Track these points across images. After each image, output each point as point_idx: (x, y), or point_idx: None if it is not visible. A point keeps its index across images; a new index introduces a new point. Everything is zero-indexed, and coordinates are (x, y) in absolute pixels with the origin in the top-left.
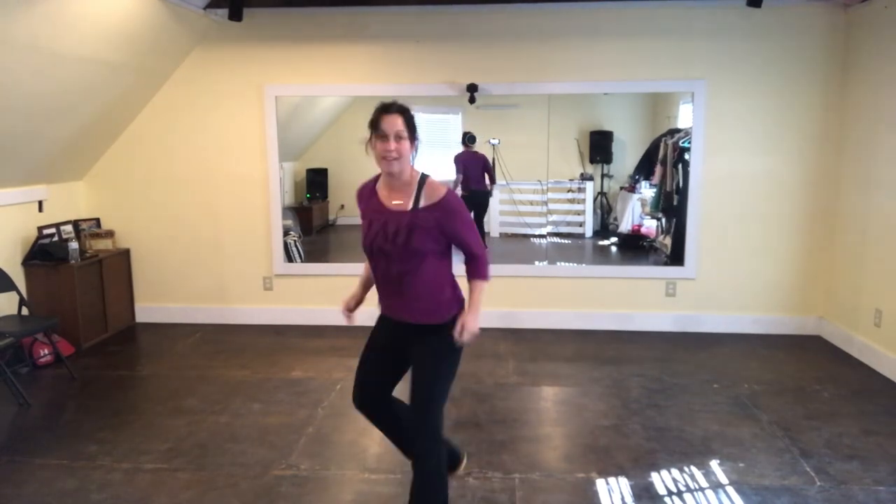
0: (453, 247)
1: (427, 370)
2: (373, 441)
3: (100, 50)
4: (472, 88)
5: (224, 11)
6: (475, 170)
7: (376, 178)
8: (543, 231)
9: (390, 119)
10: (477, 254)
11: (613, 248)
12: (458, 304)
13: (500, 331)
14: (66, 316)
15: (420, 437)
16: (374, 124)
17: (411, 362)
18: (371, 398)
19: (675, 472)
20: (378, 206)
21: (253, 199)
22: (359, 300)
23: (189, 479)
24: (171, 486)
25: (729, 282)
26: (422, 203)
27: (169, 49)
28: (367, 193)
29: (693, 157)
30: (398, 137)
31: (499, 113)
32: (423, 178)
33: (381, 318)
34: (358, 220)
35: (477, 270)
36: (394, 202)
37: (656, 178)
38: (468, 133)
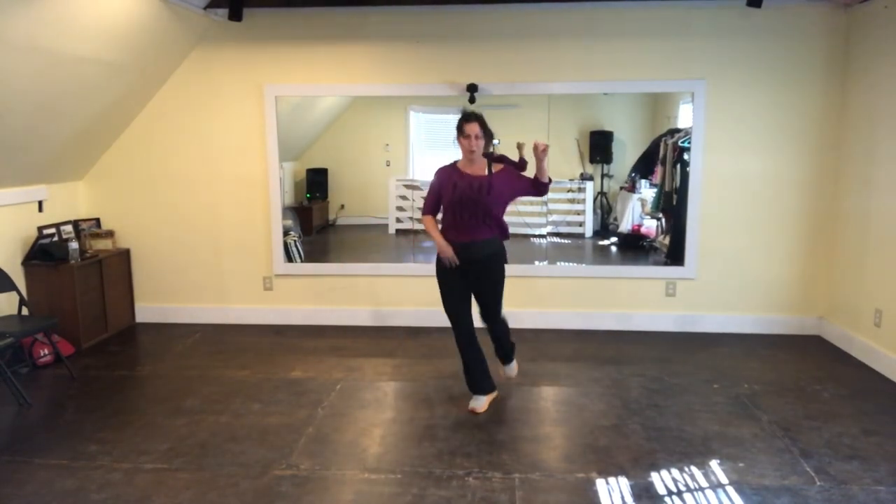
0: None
1: (497, 286)
2: (373, 441)
3: (100, 50)
4: (472, 88)
5: (224, 11)
6: None
7: (454, 163)
8: (543, 231)
9: (471, 125)
10: (537, 180)
11: (613, 248)
12: (505, 236)
13: None
14: (66, 316)
15: (499, 317)
16: (460, 128)
17: (480, 284)
18: (467, 316)
19: (675, 472)
20: (462, 175)
21: (253, 199)
22: (450, 245)
23: (189, 479)
24: (171, 486)
25: (729, 282)
26: (493, 171)
27: (169, 49)
28: (449, 171)
29: (693, 157)
30: (476, 137)
31: (499, 113)
32: (489, 161)
33: (443, 268)
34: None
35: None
36: (473, 173)
37: (656, 178)
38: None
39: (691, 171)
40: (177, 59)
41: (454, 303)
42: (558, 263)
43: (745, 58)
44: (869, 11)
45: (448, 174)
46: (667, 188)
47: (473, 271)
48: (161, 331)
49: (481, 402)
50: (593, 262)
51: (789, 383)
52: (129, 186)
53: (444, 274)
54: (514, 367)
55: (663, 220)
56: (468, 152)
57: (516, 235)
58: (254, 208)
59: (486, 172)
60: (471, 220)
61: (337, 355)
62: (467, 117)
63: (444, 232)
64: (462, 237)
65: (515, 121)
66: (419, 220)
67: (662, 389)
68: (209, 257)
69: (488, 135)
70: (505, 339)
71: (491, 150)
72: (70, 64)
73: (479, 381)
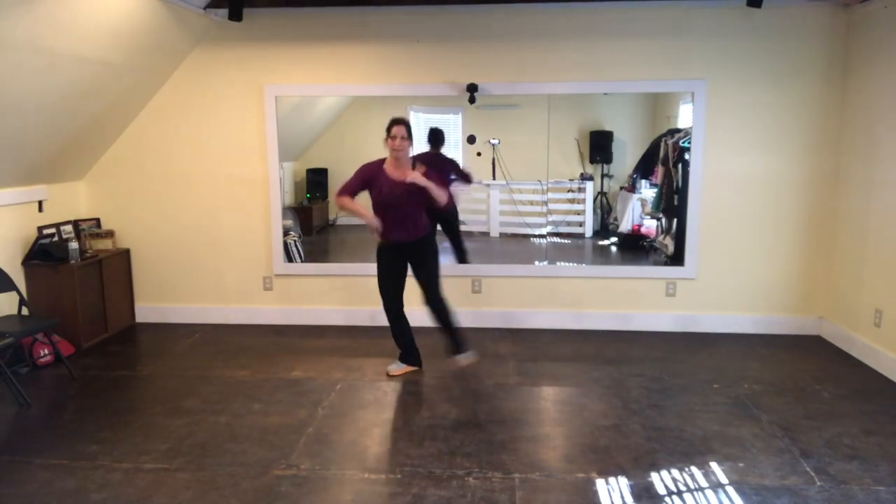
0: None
1: (429, 267)
2: (373, 441)
3: (100, 50)
4: (472, 88)
5: (224, 11)
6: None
7: (381, 161)
8: (543, 231)
9: (397, 128)
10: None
11: (613, 248)
12: (429, 228)
13: (500, 331)
14: (66, 316)
15: (436, 299)
16: (388, 130)
17: (413, 266)
18: (396, 300)
19: (675, 472)
20: (387, 178)
21: (253, 199)
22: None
23: (189, 479)
24: (171, 486)
25: (729, 282)
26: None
27: (169, 49)
28: (376, 169)
29: (693, 157)
30: (402, 138)
31: (499, 113)
32: (414, 162)
33: (383, 251)
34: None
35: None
36: (397, 177)
37: (657, 178)
38: (435, 130)
39: (691, 171)
40: (177, 59)
41: (389, 285)
42: (558, 263)
43: (745, 58)
44: (869, 11)
45: (374, 173)
46: (667, 188)
47: (408, 255)
48: (161, 331)
49: (399, 367)
50: (593, 262)
51: (789, 383)
52: (129, 186)
53: (383, 256)
54: (468, 356)
55: (663, 220)
56: (393, 151)
57: (516, 235)
58: (254, 208)
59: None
60: (395, 223)
61: (337, 355)
62: (395, 121)
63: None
64: (393, 235)
65: (515, 121)
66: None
67: (662, 389)
68: (209, 257)
69: (412, 137)
70: (447, 323)
71: (492, 149)
72: (70, 64)
73: (403, 351)
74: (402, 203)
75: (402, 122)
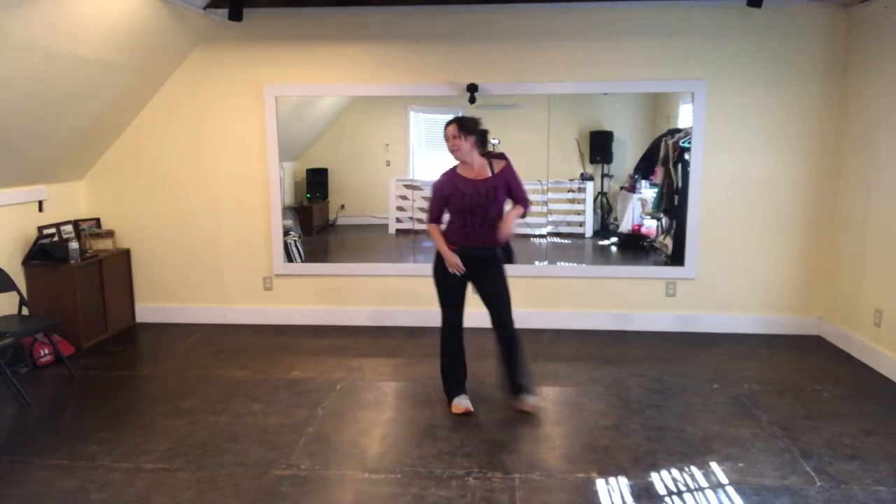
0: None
1: (501, 283)
2: (373, 441)
3: (100, 50)
4: (472, 88)
5: (224, 11)
6: None
7: (453, 169)
8: (543, 231)
9: (447, 130)
10: (524, 200)
11: (613, 248)
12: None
13: None
14: (66, 316)
15: (511, 324)
16: (444, 135)
17: (482, 282)
18: (461, 318)
19: (675, 472)
20: (466, 182)
21: (253, 199)
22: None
23: (189, 479)
24: (171, 486)
25: (729, 282)
26: (495, 171)
27: (169, 49)
28: (452, 178)
29: (693, 158)
30: (453, 137)
31: (499, 113)
32: (490, 160)
33: (445, 271)
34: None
35: (521, 205)
36: (478, 177)
37: (657, 179)
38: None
39: (691, 172)
40: (177, 59)
41: (455, 308)
42: (558, 263)
43: (745, 57)
44: (869, 11)
45: (452, 182)
46: (667, 188)
47: (479, 267)
48: (161, 331)
49: (468, 402)
50: (593, 262)
51: (789, 383)
52: (129, 186)
53: (446, 277)
54: (533, 398)
55: (664, 220)
56: (452, 153)
57: (516, 235)
58: (254, 208)
59: (490, 173)
60: (481, 226)
61: (337, 355)
62: (447, 123)
63: (452, 237)
64: (473, 243)
65: (515, 121)
66: (420, 221)
67: (662, 389)
68: (209, 257)
69: (473, 131)
70: (517, 355)
71: (491, 148)
72: (70, 64)
73: (461, 381)
74: (489, 204)
75: (452, 122)
